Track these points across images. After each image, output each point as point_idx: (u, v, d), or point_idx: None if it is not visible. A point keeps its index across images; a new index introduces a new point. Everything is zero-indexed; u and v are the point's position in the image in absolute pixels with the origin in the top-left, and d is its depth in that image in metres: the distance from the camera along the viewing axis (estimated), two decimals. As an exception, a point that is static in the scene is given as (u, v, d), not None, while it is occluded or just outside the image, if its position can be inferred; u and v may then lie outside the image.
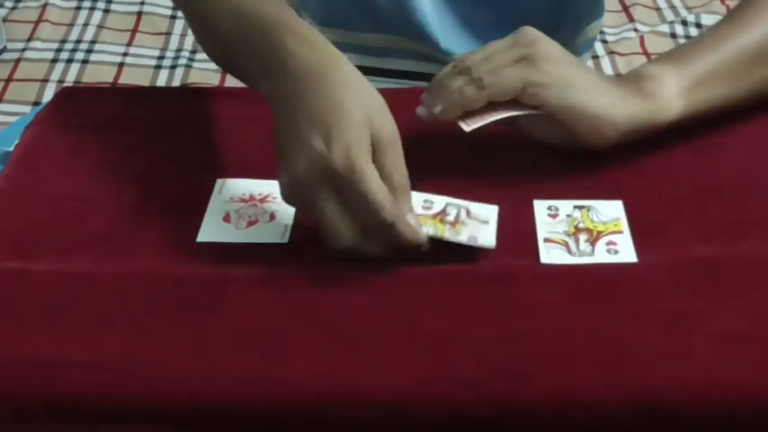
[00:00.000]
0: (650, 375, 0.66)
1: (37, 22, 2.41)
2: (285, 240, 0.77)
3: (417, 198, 0.79)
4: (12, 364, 0.67)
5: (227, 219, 0.80)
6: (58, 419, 0.66)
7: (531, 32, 0.83)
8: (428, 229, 0.75)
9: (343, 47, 0.86)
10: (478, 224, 0.78)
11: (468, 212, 0.79)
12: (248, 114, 0.92)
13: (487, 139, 0.86)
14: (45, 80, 2.22)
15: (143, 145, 0.89)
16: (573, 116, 0.81)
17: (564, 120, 0.81)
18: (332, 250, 0.73)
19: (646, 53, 2.24)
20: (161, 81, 2.25)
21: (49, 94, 2.16)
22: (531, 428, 0.66)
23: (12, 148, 0.91)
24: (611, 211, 0.80)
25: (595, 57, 2.27)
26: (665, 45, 2.23)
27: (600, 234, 0.78)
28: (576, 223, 0.79)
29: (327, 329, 0.70)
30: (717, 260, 0.75)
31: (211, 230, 0.79)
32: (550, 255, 0.76)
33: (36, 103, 2.13)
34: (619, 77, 0.89)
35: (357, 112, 0.73)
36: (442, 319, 0.70)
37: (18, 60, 2.29)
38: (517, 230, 0.78)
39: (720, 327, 0.69)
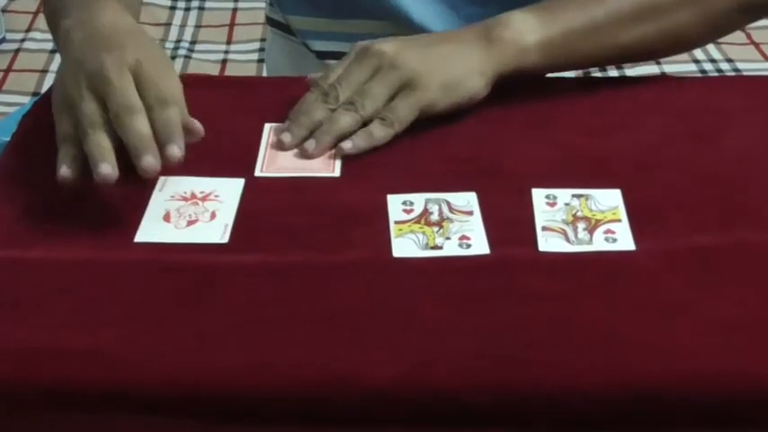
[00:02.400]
0: (647, 363, 0.66)
1: (36, 13, 2.41)
2: (225, 240, 0.76)
3: (396, 200, 0.79)
4: (7, 352, 0.67)
5: (167, 218, 0.79)
6: (54, 407, 0.66)
7: (382, 52, 0.87)
8: (418, 240, 0.75)
9: (329, 35, 0.88)
10: (464, 217, 0.78)
11: (449, 206, 0.79)
12: (243, 104, 0.92)
13: (486, 128, 0.87)
14: (44, 71, 2.23)
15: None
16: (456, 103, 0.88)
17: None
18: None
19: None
20: (160, 71, 2.24)
21: (47, 84, 2.15)
22: (528, 416, 0.66)
23: (10, 138, 0.91)
24: (609, 200, 0.80)
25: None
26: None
27: (598, 222, 0.77)
28: (574, 212, 0.78)
29: (324, 317, 0.70)
30: (714, 249, 0.75)
31: (150, 230, 0.77)
32: (548, 243, 0.75)
33: (35, 94, 2.14)
34: (474, 27, 0.93)
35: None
36: (440, 307, 0.70)
37: (17, 51, 2.29)
38: (515, 219, 0.78)
39: (717, 315, 0.69)
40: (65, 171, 0.78)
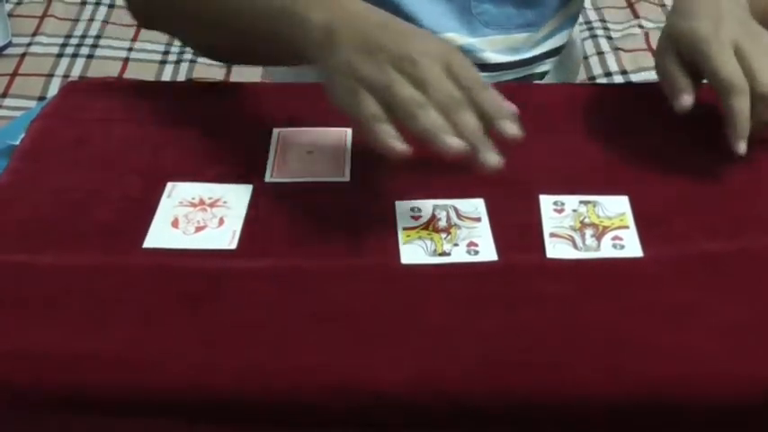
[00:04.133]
0: (655, 368, 0.66)
1: (42, 17, 2.41)
2: (233, 247, 0.76)
3: (404, 207, 0.79)
4: (18, 357, 0.67)
5: (175, 224, 0.79)
6: (63, 410, 0.66)
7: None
8: (426, 247, 0.76)
9: None
10: (471, 223, 0.78)
11: (457, 212, 0.79)
12: (250, 110, 0.92)
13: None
14: (50, 75, 2.23)
15: (148, 139, 0.89)
16: None
17: None
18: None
19: (651, 49, 2.23)
20: (166, 76, 2.25)
21: (54, 88, 2.16)
22: (536, 420, 0.66)
23: (17, 142, 0.91)
24: (616, 207, 0.80)
25: (600, 53, 2.27)
26: (671, 41, 2.23)
27: (606, 229, 0.78)
28: (581, 218, 0.79)
29: (332, 323, 0.70)
30: (722, 255, 0.75)
31: (158, 236, 0.77)
32: (556, 249, 0.76)
33: (41, 98, 2.14)
34: None
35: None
36: (448, 313, 0.70)
37: (23, 55, 2.29)
38: (523, 225, 0.78)
39: (724, 320, 0.69)
40: (403, 146, 0.73)
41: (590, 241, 0.76)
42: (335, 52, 0.77)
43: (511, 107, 0.77)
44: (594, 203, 0.80)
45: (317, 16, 0.79)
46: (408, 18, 1.04)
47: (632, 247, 0.76)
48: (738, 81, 0.80)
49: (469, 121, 0.74)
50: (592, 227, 0.78)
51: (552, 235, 0.77)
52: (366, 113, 0.74)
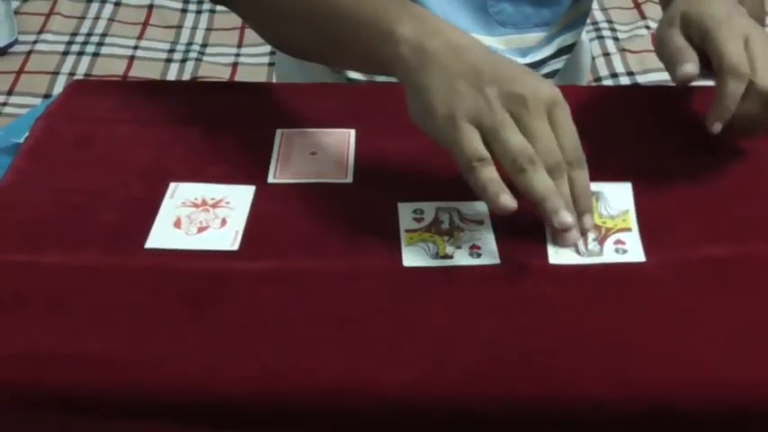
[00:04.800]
0: (658, 374, 0.66)
1: (48, 15, 2.42)
2: (235, 247, 0.76)
3: (407, 209, 0.79)
4: (20, 357, 0.67)
5: (177, 224, 0.79)
6: (65, 411, 0.66)
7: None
8: (428, 249, 0.75)
9: None
10: (474, 226, 0.78)
11: (460, 215, 0.79)
12: (255, 110, 0.92)
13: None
14: (56, 73, 2.23)
15: (152, 138, 0.89)
16: None
17: None
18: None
19: (657, 51, 2.23)
20: (171, 74, 2.25)
21: (59, 86, 2.16)
22: (539, 425, 0.66)
23: (22, 140, 0.91)
24: (620, 200, 0.79)
25: (606, 54, 2.26)
26: (677, 43, 2.22)
27: (608, 232, 0.77)
28: None
29: (335, 325, 0.70)
30: (725, 260, 0.75)
31: (161, 236, 0.77)
32: (558, 255, 0.75)
33: (46, 96, 2.14)
34: None
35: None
36: (450, 316, 0.70)
37: (29, 53, 2.29)
38: (526, 228, 0.78)
39: (728, 325, 0.69)
40: (512, 201, 0.72)
41: (592, 246, 0.76)
42: (433, 75, 0.75)
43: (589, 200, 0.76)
44: (598, 196, 0.80)
45: (406, 29, 0.77)
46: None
47: (635, 252, 0.76)
48: (742, 67, 0.79)
49: (566, 191, 0.74)
50: (595, 230, 0.77)
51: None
52: (470, 152, 0.72)
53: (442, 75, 0.75)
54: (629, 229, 0.78)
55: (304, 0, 0.87)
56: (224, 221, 0.79)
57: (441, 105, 0.74)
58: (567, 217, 0.73)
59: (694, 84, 0.84)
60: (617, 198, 0.80)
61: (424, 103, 0.75)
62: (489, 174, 0.72)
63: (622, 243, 0.76)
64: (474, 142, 0.73)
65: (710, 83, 0.83)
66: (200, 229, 0.78)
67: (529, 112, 0.73)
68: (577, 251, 0.76)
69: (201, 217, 0.79)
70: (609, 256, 0.75)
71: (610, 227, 0.78)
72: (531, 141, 0.73)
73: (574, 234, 0.74)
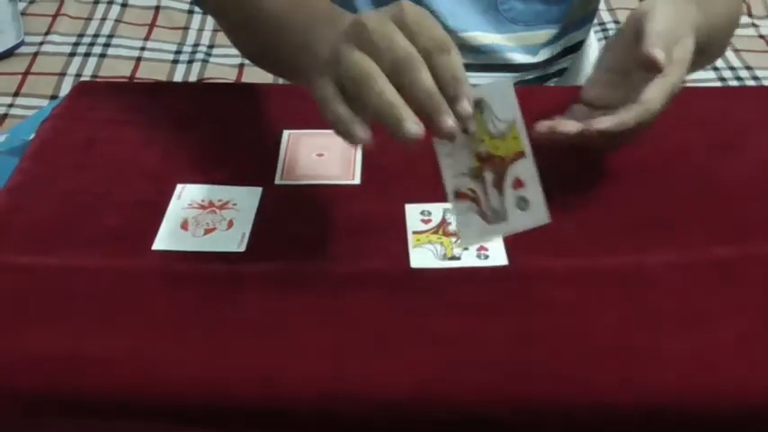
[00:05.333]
0: (664, 375, 0.66)
1: (55, 16, 2.42)
2: (242, 249, 0.76)
3: (414, 210, 0.79)
4: (25, 359, 0.67)
5: (184, 226, 0.78)
6: (70, 414, 0.66)
7: None
8: (436, 251, 0.75)
9: None
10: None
11: None
12: (262, 112, 0.92)
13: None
14: (62, 74, 2.23)
15: (158, 140, 0.89)
16: None
17: None
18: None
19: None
20: (178, 76, 2.25)
21: (66, 87, 2.17)
22: (545, 428, 0.66)
23: (29, 141, 0.91)
24: (505, 106, 0.68)
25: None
26: (684, 43, 2.22)
27: (503, 164, 0.69)
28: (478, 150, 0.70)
29: (341, 327, 0.69)
30: (733, 260, 0.75)
31: (168, 238, 0.77)
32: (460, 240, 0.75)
33: (53, 97, 2.14)
34: None
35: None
36: (457, 318, 0.70)
37: (36, 54, 2.30)
38: (534, 230, 0.78)
39: (736, 327, 0.69)
40: (364, 133, 0.65)
41: (494, 198, 0.69)
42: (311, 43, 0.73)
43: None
44: (482, 106, 0.68)
45: (322, 46, 0.71)
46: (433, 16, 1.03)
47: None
48: (652, 107, 0.75)
49: (425, 84, 0.65)
50: (487, 167, 0.69)
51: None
52: (319, 95, 0.68)
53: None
54: (522, 154, 0.69)
55: (241, 6, 0.86)
56: (231, 223, 0.78)
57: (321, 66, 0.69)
58: (410, 128, 0.63)
59: (697, 84, 0.84)
60: (502, 104, 0.69)
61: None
62: (336, 108, 0.66)
63: (520, 185, 0.69)
64: (330, 96, 0.67)
65: (724, 80, 0.82)
66: (207, 231, 0.78)
67: (368, 30, 0.66)
68: (483, 215, 0.70)
69: (208, 219, 0.79)
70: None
71: (502, 155, 0.69)
72: (372, 51, 0.66)
73: (444, 126, 0.65)
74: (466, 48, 1.06)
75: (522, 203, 0.70)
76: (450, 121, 0.65)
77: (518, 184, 0.69)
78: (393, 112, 0.64)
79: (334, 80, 0.67)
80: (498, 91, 0.68)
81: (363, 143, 0.65)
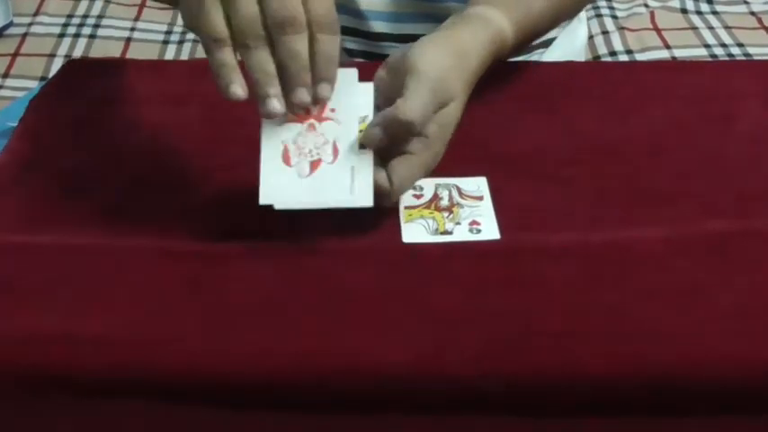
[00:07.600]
0: (660, 350, 0.66)
1: (44, -3, 2.41)
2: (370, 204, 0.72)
3: None
4: (17, 338, 0.67)
5: (286, 158, 0.72)
6: (63, 392, 0.66)
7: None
8: (428, 226, 0.75)
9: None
10: (474, 202, 0.77)
11: (459, 191, 0.78)
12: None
13: (496, 113, 0.86)
14: (52, 55, 2.22)
15: (149, 119, 0.89)
16: None
17: None
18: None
19: (656, 29, 2.22)
20: (169, 56, 2.24)
21: (55, 69, 2.15)
22: (540, 402, 0.66)
23: (16, 124, 0.91)
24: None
25: (605, 32, 2.25)
26: (676, 20, 2.21)
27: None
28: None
29: (335, 303, 0.69)
30: (727, 234, 0.75)
31: (273, 183, 0.70)
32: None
33: (42, 79, 2.13)
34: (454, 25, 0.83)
35: None
36: (450, 293, 0.70)
37: (24, 35, 2.28)
38: (526, 204, 0.78)
39: (730, 301, 0.69)
40: (241, 92, 0.68)
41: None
42: None
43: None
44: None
45: None
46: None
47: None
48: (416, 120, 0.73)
49: (299, 51, 0.66)
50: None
51: None
52: (207, 30, 0.67)
53: None
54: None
55: None
56: (335, 149, 0.72)
57: None
58: (274, 106, 0.67)
59: (691, 58, 0.84)
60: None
61: None
62: (222, 57, 0.66)
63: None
64: (213, 18, 0.66)
65: (715, 56, 0.82)
66: (314, 165, 0.72)
67: None
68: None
69: (310, 143, 0.72)
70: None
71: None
72: (264, 6, 0.66)
73: (297, 100, 0.68)
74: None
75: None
76: (305, 95, 0.68)
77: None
78: (259, 88, 0.67)
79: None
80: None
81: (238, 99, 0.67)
